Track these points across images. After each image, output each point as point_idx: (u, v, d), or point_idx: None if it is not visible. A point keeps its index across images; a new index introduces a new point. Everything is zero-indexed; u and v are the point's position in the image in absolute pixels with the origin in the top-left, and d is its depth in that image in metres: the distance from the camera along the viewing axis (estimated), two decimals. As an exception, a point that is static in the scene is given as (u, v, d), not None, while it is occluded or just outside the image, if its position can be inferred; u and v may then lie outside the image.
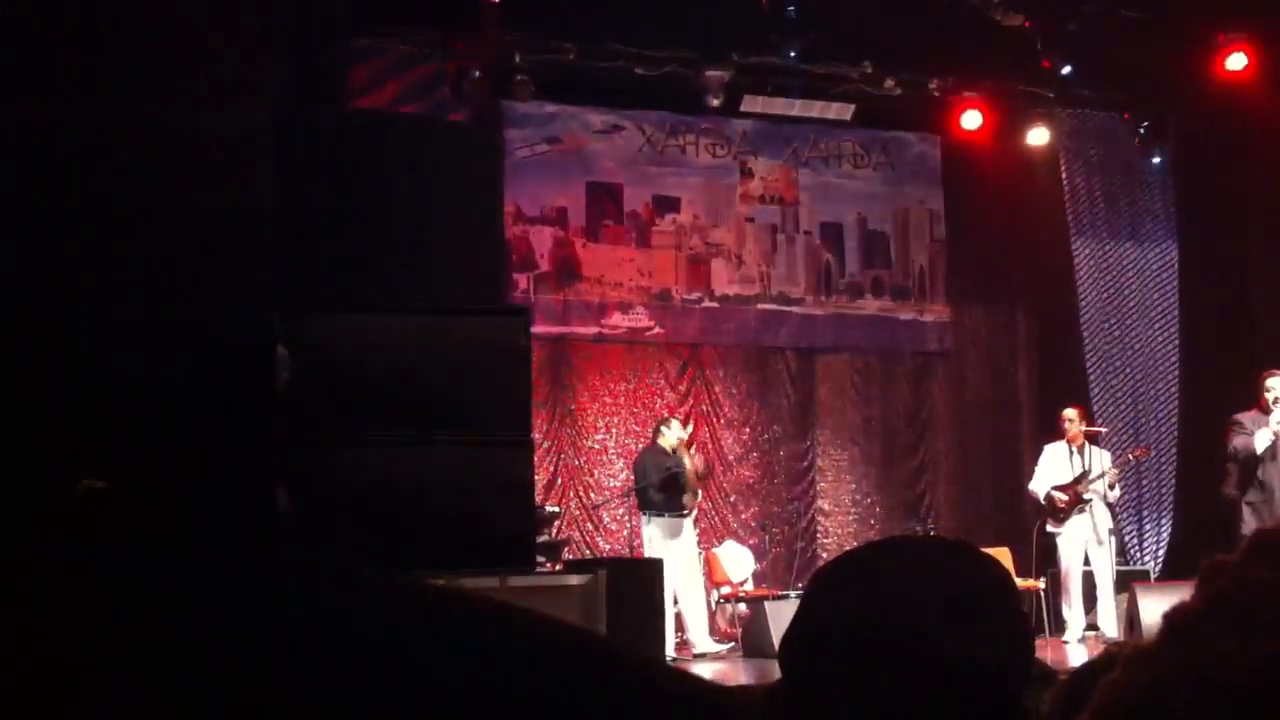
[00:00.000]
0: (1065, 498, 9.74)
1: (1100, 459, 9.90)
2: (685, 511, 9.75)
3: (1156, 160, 12.25)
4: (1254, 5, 10.18)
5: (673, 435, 9.93)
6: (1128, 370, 12.45)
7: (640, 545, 10.05)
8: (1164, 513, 12.16)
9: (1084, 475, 9.74)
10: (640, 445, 11.51)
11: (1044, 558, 10.22)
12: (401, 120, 7.25)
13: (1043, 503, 9.94)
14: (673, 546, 9.54)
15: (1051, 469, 9.92)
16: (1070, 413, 10.05)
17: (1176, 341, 12.34)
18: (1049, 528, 9.93)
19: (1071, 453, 9.88)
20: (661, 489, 9.62)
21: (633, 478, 10.15)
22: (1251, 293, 11.91)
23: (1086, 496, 9.70)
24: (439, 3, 9.28)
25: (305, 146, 4.67)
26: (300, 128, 4.65)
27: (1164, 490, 12.20)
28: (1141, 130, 12.03)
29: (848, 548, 12.34)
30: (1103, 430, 10.58)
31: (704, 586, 10.20)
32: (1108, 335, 12.42)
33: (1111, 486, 9.88)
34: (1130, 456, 10.77)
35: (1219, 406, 9.96)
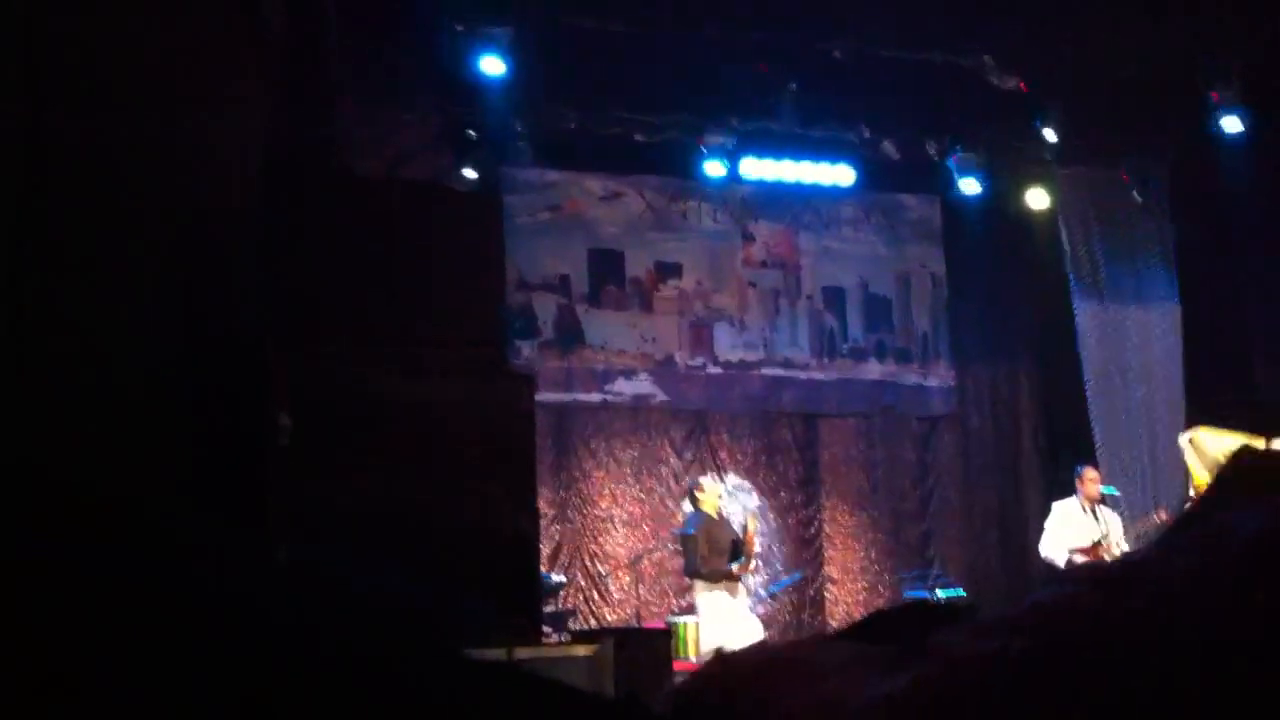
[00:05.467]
0: (1087, 561, 9.38)
1: (1114, 520, 9.71)
2: (740, 575, 9.48)
3: (1156, 220, 12.27)
4: (1248, 65, 10.26)
5: (712, 495, 9.62)
6: (1134, 430, 12.37)
7: (663, 613, 9.91)
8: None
9: (1105, 536, 9.46)
10: (646, 511, 11.43)
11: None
12: (402, 185, 7.28)
13: (1061, 566, 9.47)
14: (734, 611, 9.33)
15: (1066, 529, 9.55)
16: (1093, 472, 9.80)
17: (1182, 401, 12.28)
18: None
19: (1086, 511, 9.63)
20: (730, 558, 9.37)
21: (682, 549, 9.80)
22: (1254, 351, 11.88)
23: (1108, 559, 9.46)
24: (439, 69, 9.36)
25: (304, 211, 4.67)
26: (299, 193, 4.65)
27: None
28: (1139, 190, 12.07)
29: (856, 616, 12.14)
30: (1115, 494, 10.37)
31: None
32: (1112, 394, 12.36)
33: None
34: (1156, 518, 10.54)
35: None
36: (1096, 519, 9.58)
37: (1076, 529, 9.55)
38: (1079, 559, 9.39)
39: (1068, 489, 9.92)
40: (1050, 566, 9.69)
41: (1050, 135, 10.72)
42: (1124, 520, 10.01)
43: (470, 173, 10.24)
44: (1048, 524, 9.79)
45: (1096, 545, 9.45)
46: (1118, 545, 9.50)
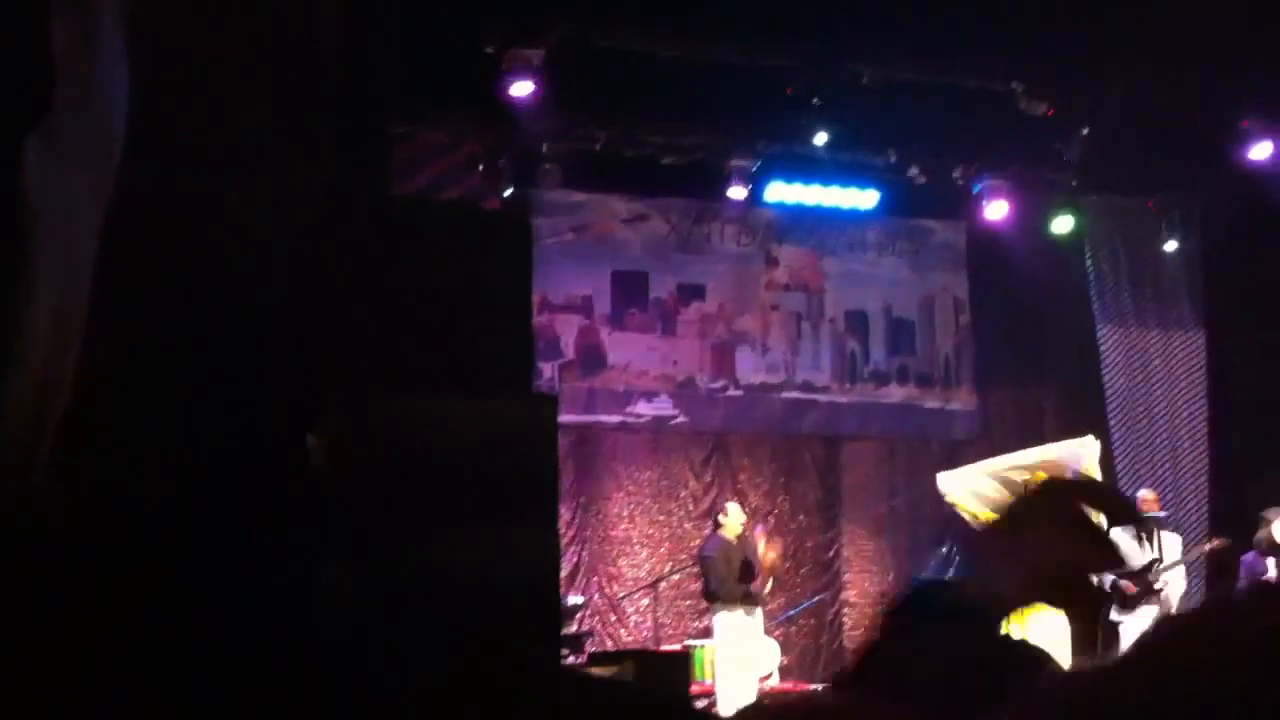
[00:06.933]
0: (1135, 586, 9.26)
1: (1170, 545, 9.51)
2: (759, 601, 9.35)
3: (1182, 247, 12.20)
4: (1277, 94, 10.20)
5: (735, 521, 9.55)
6: (1157, 457, 12.29)
7: (666, 637, 9.85)
8: (1196, 605, 11.90)
9: (1155, 562, 9.32)
10: (665, 533, 11.40)
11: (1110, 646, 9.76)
12: (436, 207, 7.27)
13: (1108, 590, 9.30)
14: (750, 633, 9.24)
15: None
16: (1147, 494, 9.67)
17: (1205, 429, 12.21)
18: (1114, 616, 9.44)
19: (1140, 538, 9.51)
20: (740, 579, 9.26)
21: (701, 572, 9.67)
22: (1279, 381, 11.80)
23: (1158, 586, 9.27)
24: (471, 91, 9.36)
25: (344, 232, 4.67)
26: (342, 213, 4.65)
27: (1194, 582, 11.96)
28: (1166, 217, 12.01)
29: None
30: (1165, 515, 10.16)
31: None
32: (1135, 422, 12.29)
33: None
34: (1206, 546, 10.32)
35: (1250, 494, 9.82)
36: (1150, 543, 9.39)
37: (1128, 554, 9.42)
38: (1126, 583, 9.30)
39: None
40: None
41: (1077, 162, 10.67)
42: (1181, 543, 9.85)
43: (509, 190, 10.27)
44: None
45: (1145, 571, 9.33)
46: (1171, 572, 9.36)
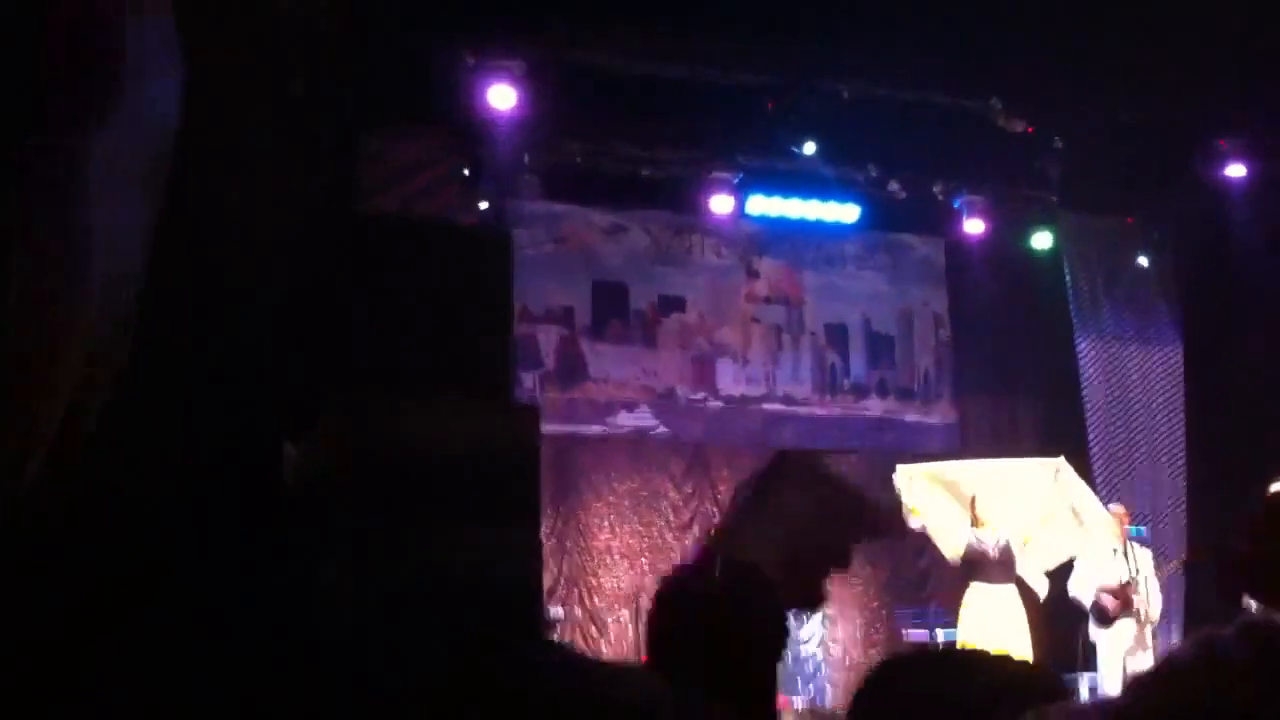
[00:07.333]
0: (1116, 602, 9.17)
1: (1144, 559, 9.45)
2: None
3: (1160, 263, 12.29)
4: (1252, 113, 10.31)
5: None
6: (1135, 471, 12.35)
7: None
8: (1173, 619, 11.96)
9: (1135, 575, 9.23)
10: (645, 545, 11.40)
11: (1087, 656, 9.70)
12: (419, 223, 7.29)
13: (1088, 607, 9.32)
14: None
15: (1095, 568, 9.35)
16: (1118, 509, 9.62)
17: (1184, 442, 12.27)
18: (1092, 631, 9.36)
19: (1115, 551, 9.37)
20: None
21: None
22: (1257, 396, 11.88)
23: (1137, 603, 9.18)
24: (448, 105, 9.38)
25: (326, 249, 4.67)
26: (324, 230, 4.65)
27: (1172, 594, 12.02)
28: (1144, 233, 12.11)
29: (853, 654, 12.03)
30: (1142, 533, 10.16)
31: None
32: (1114, 436, 12.35)
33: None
34: (1178, 562, 10.25)
35: (1229, 508, 9.85)
36: (1126, 558, 9.34)
37: (1105, 568, 9.35)
38: (1106, 599, 9.24)
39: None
40: (1078, 605, 9.47)
41: (1056, 178, 10.76)
42: (1155, 558, 9.82)
43: (483, 204, 10.26)
44: (1076, 563, 9.55)
45: (1125, 585, 9.23)
46: (1146, 584, 9.33)
